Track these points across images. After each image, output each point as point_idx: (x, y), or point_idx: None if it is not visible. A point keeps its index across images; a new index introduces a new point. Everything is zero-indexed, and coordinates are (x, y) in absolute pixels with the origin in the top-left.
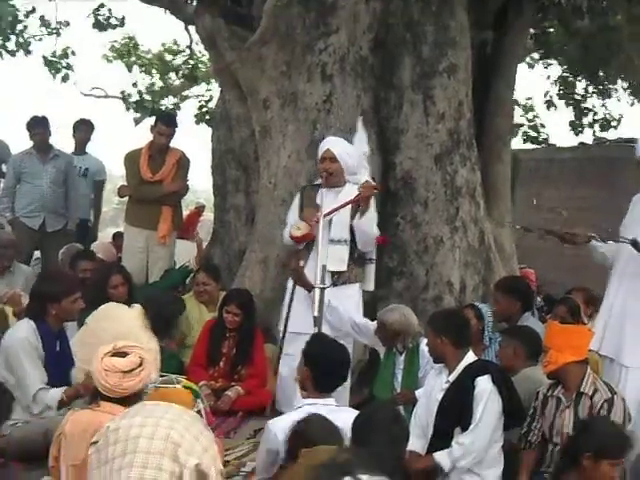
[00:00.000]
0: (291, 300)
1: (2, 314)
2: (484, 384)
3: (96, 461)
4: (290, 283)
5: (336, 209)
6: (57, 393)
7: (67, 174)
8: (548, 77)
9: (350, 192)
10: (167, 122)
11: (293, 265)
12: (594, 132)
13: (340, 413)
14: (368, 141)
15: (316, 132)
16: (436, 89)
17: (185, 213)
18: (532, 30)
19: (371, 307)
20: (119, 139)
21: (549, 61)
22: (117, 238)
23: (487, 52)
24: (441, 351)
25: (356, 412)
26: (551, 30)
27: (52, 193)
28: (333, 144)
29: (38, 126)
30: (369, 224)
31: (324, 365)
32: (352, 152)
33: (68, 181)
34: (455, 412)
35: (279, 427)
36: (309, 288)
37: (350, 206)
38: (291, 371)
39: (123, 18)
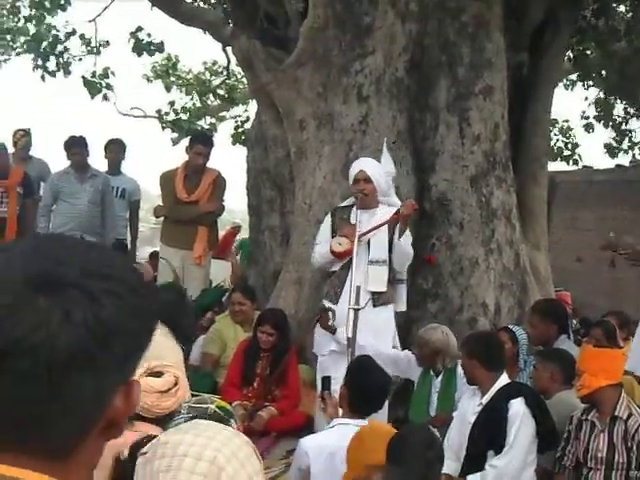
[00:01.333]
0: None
1: None
2: (517, 407)
3: (141, 472)
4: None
5: (373, 229)
6: None
7: (104, 194)
8: (586, 98)
9: (384, 213)
10: (204, 142)
11: (323, 324)
12: (634, 155)
13: None
14: (402, 162)
15: (351, 153)
16: (472, 111)
17: (221, 233)
18: (569, 52)
19: (405, 329)
20: (157, 159)
21: (587, 83)
22: (153, 257)
23: (523, 74)
24: (474, 374)
25: None
26: (588, 52)
27: (89, 213)
28: (366, 165)
29: (76, 146)
30: (407, 244)
31: (362, 389)
32: (383, 173)
33: (105, 201)
34: (488, 435)
35: (310, 445)
36: (332, 332)
37: (387, 226)
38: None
39: (162, 43)
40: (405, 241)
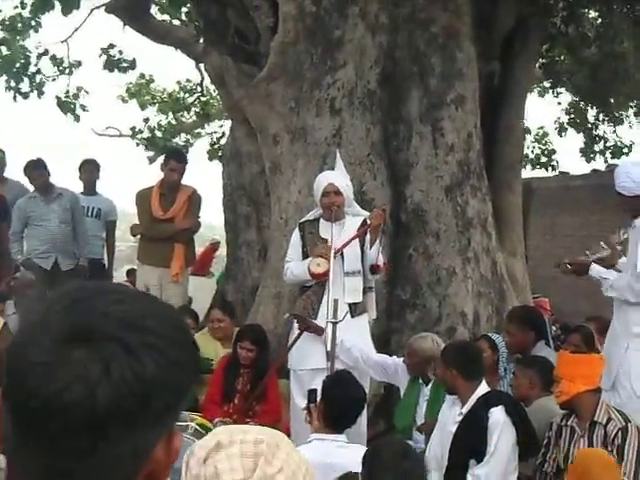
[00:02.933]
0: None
1: None
2: (498, 415)
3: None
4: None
5: (347, 243)
6: None
7: (73, 211)
8: (559, 104)
9: (352, 224)
10: (177, 158)
11: (301, 326)
12: (606, 159)
13: (348, 449)
14: (377, 174)
15: (326, 167)
16: (444, 121)
17: (200, 249)
18: (541, 59)
19: (384, 340)
20: (133, 177)
21: (559, 89)
22: (131, 274)
23: (495, 82)
24: (453, 383)
25: (365, 448)
26: (560, 58)
27: (61, 233)
28: (334, 177)
29: (36, 168)
30: (377, 253)
31: (337, 403)
32: (349, 183)
33: (75, 218)
34: (469, 444)
35: None
36: (320, 332)
37: (358, 238)
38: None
39: (134, 60)
40: (375, 251)
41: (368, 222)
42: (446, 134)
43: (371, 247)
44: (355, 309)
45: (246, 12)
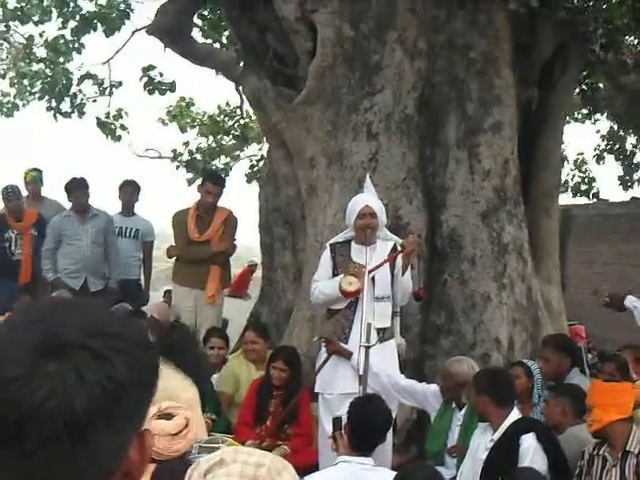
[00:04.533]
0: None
1: None
2: (529, 442)
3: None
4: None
5: (379, 266)
6: None
7: (107, 232)
8: (598, 131)
9: (383, 248)
10: (214, 181)
11: (332, 348)
12: None
13: (375, 472)
14: (413, 199)
15: (361, 190)
16: (481, 146)
17: (238, 271)
18: (579, 86)
19: (419, 365)
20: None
21: (597, 117)
22: (167, 294)
23: (533, 108)
24: (484, 410)
25: (392, 472)
26: (599, 85)
27: (92, 253)
28: (370, 200)
29: (79, 188)
30: (409, 280)
31: (363, 426)
32: (382, 207)
33: (107, 239)
34: (500, 470)
35: None
36: (348, 356)
37: (389, 264)
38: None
39: (173, 83)
40: (408, 277)
41: (399, 247)
42: (483, 160)
43: (403, 273)
44: (384, 334)
45: (285, 36)
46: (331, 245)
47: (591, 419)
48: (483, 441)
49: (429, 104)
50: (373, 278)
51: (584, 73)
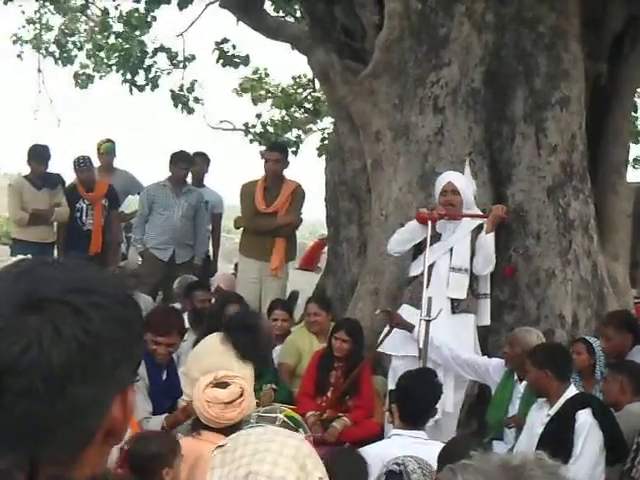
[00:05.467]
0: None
1: None
2: (585, 417)
3: (220, 461)
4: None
5: (462, 215)
6: (158, 421)
7: (197, 210)
8: None
9: (469, 226)
10: (273, 149)
11: (394, 321)
12: None
13: (427, 446)
14: (478, 173)
15: (427, 165)
16: (549, 121)
17: (309, 244)
18: None
19: (482, 340)
20: (245, 172)
21: None
22: (237, 267)
23: (603, 83)
24: (546, 385)
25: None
26: None
27: (182, 226)
28: (455, 177)
29: (184, 161)
30: (491, 243)
31: (411, 399)
32: (470, 186)
33: (197, 216)
34: (556, 445)
35: (368, 454)
36: (410, 329)
37: (470, 236)
38: None
39: (247, 57)
40: (490, 240)
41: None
42: (550, 135)
43: (488, 231)
44: (458, 306)
45: (352, 9)
46: None
47: None
48: (540, 416)
49: (496, 78)
50: (451, 249)
51: None
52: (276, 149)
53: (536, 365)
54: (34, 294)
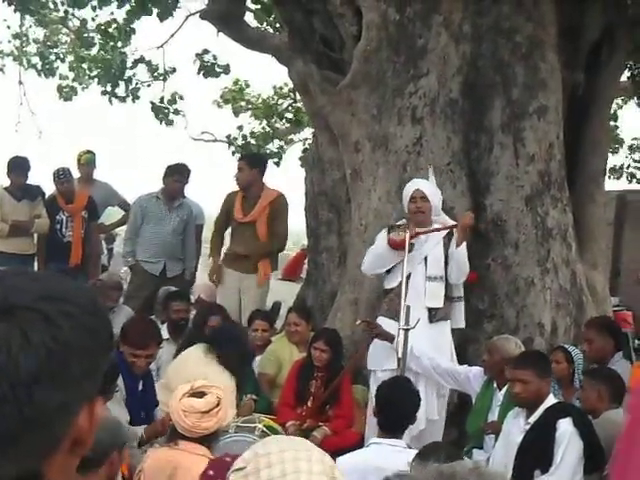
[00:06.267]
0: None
1: None
2: (565, 426)
3: None
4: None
5: (430, 231)
6: (136, 431)
7: (187, 224)
8: None
9: (438, 233)
10: (240, 158)
11: (374, 332)
12: None
13: (406, 454)
14: (457, 183)
15: (406, 174)
16: (526, 131)
17: (291, 255)
18: (628, 70)
19: (461, 349)
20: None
21: None
22: None
23: (580, 92)
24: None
25: None
26: None
27: (172, 240)
28: (422, 184)
29: (176, 173)
30: (464, 255)
31: (388, 408)
32: (437, 193)
33: (187, 230)
34: (536, 454)
35: (345, 463)
36: (391, 339)
37: (443, 243)
38: None
39: (227, 66)
40: (462, 251)
41: (454, 232)
42: (527, 144)
43: (459, 245)
44: (435, 314)
45: (331, 20)
46: (389, 226)
47: None
48: (517, 425)
49: (474, 88)
50: (426, 258)
51: (633, 57)
52: (242, 158)
53: (540, 373)
54: (4, 302)
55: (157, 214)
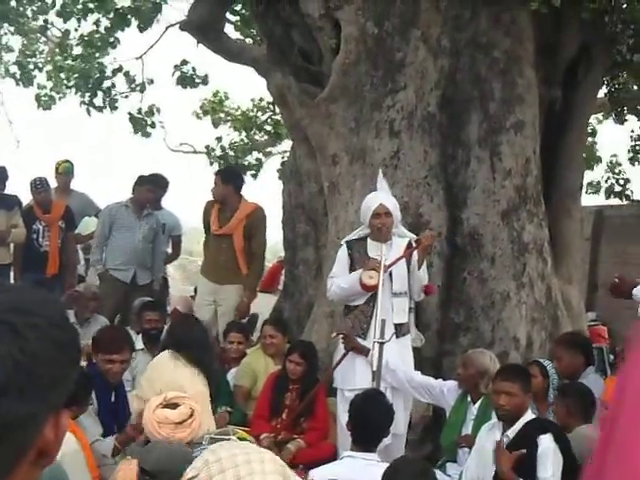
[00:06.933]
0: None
1: None
2: (547, 442)
3: None
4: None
5: (396, 261)
6: (110, 442)
7: (156, 233)
8: (632, 131)
9: (399, 244)
10: (215, 173)
11: (347, 346)
12: None
13: (380, 468)
14: (434, 196)
15: (375, 187)
16: (503, 145)
17: (268, 267)
18: (606, 87)
19: (436, 362)
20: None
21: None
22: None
23: (557, 108)
24: (525, 406)
25: None
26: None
27: (143, 249)
28: (384, 199)
29: (148, 183)
30: (425, 274)
31: (362, 422)
32: (397, 204)
33: (156, 239)
34: (517, 468)
35: (318, 476)
36: (366, 352)
37: (405, 258)
38: None
39: (206, 76)
40: (423, 272)
41: (414, 244)
42: (504, 159)
43: (419, 267)
44: (400, 330)
45: (310, 33)
46: (347, 242)
47: None
48: (491, 438)
49: (451, 102)
50: (390, 274)
51: (610, 74)
52: (217, 173)
53: (525, 386)
54: None
55: (126, 222)
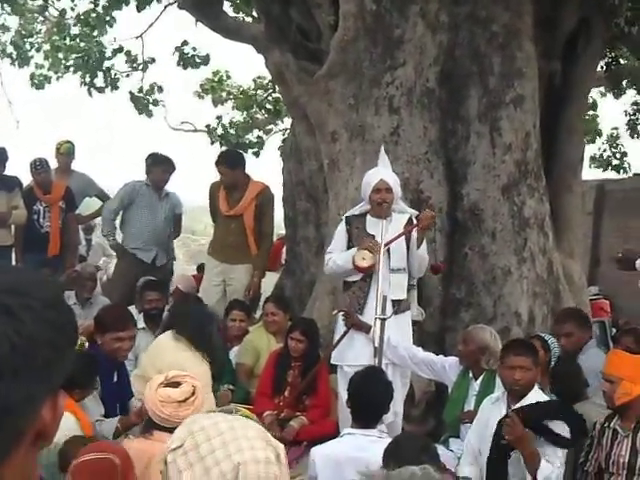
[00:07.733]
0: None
1: (80, 346)
2: (560, 429)
3: (185, 463)
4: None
5: (396, 238)
6: (112, 423)
7: (174, 214)
8: (634, 104)
9: (399, 221)
10: (217, 162)
11: (349, 321)
12: None
13: (381, 444)
14: (434, 172)
15: (377, 162)
16: (503, 120)
17: None
18: (604, 59)
19: (438, 337)
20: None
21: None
22: (201, 270)
23: (557, 82)
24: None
25: None
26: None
27: (164, 229)
28: (385, 174)
29: (167, 164)
30: (424, 253)
31: (361, 398)
32: (397, 180)
33: (174, 219)
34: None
35: (319, 454)
36: (367, 330)
37: (404, 235)
38: None
39: (207, 56)
40: (423, 249)
41: (414, 220)
42: (504, 133)
43: (418, 247)
44: (399, 306)
45: (308, 10)
46: (347, 217)
47: (622, 391)
48: (497, 410)
49: (451, 78)
50: (389, 250)
51: (608, 47)
52: (221, 162)
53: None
54: None
55: (148, 202)
